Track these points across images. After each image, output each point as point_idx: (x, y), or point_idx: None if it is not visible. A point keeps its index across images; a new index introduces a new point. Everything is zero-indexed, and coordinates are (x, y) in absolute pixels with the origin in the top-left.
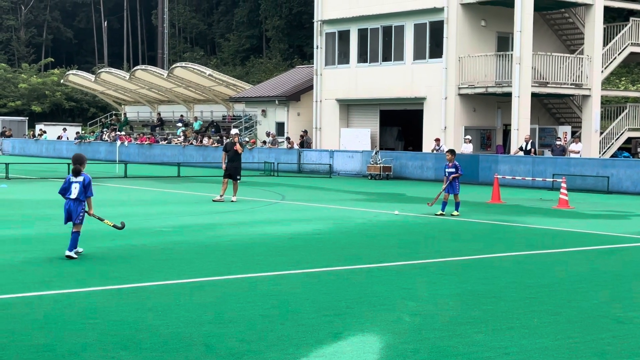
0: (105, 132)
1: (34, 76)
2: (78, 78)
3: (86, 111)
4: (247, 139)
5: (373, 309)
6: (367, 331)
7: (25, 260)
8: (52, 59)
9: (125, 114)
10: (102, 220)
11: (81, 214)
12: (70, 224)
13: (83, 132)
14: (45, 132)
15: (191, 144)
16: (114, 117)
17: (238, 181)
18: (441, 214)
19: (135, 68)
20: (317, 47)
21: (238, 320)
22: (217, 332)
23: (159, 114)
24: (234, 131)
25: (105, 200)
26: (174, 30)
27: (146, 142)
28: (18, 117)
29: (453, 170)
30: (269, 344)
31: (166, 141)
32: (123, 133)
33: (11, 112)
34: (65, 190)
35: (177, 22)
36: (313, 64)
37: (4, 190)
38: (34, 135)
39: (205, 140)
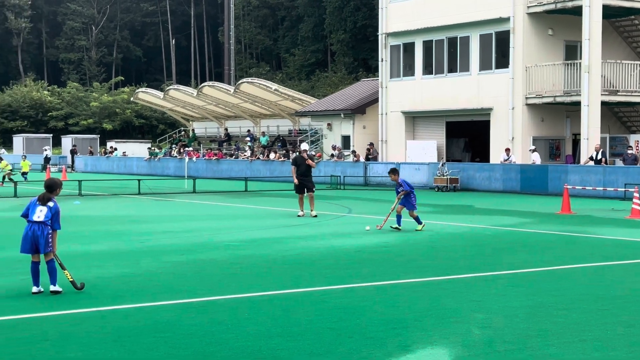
0: (174, 148)
1: (105, 95)
2: (147, 95)
3: (155, 128)
4: (313, 153)
5: (441, 322)
6: (436, 344)
7: (98, 276)
8: (122, 78)
9: (193, 130)
10: (63, 268)
11: (50, 240)
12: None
13: (153, 148)
14: (116, 149)
15: (258, 158)
16: (182, 133)
17: (313, 193)
18: (397, 228)
19: (202, 84)
20: (382, 60)
21: (306, 334)
22: (286, 345)
23: (226, 129)
24: (304, 146)
25: (174, 215)
26: (240, 46)
27: (214, 158)
28: (90, 134)
29: (401, 188)
30: (337, 357)
31: (233, 156)
32: (191, 149)
33: (83, 130)
34: (26, 213)
35: (243, 38)
36: (378, 76)
37: (77, 207)
38: (105, 153)
39: (272, 155)
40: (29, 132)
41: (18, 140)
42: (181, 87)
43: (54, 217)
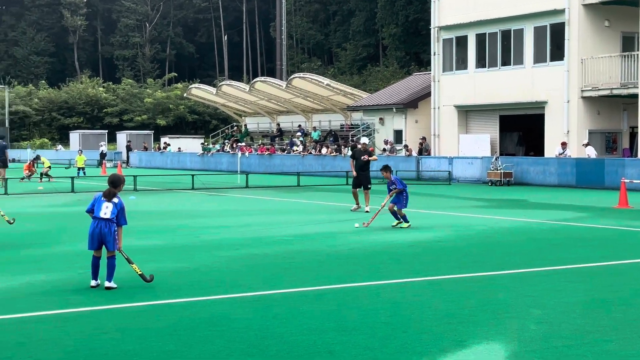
0: (226, 144)
1: (159, 91)
2: (200, 91)
3: (208, 123)
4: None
5: (497, 317)
6: (492, 339)
7: (154, 270)
8: (175, 74)
9: (245, 125)
10: (130, 262)
11: (116, 237)
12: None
13: (206, 143)
14: (169, 144)
15: (310, 153)
16: (235, 128)
17: (367, 190)
18: (398, 223)
19: (254, 80)
20: (434, 54)
21: (361, 328)
22: (340, 339)
23: (278, 124)
24: (363, 140)
25: (228, 210)
26: (292, 41)
27: (266, 153)
28: (144, 130)
29: (393, 186)
30: (392, 351)
31: (285, 151)
32: (244, 144)
33: (137, 126)
34: (92, 209)
35: (294, 33)
36: (430, 70)
37: (133, 202)
38: (159, 148)
39: (324, 150)
40: (84, 129)
41: (74, 136)
42: (234, 82)
43: (119, 213)
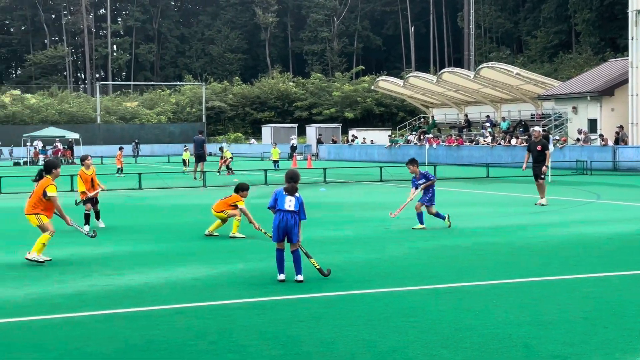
0: (414, 135)
1: (347, 84)
2: (387, 84)
3: (395, 115)
4: (557, 137)
5: None
6: None
7: (346, 260)
8: (363, 67)
9: (432, 116)
10: (308, 257)
11: (298, 230)
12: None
13: (394, 135)
14: (357, 137)
15: (499, 144)
16: (422, 120)
17: (538, 181)
18: (421, 228)
19: (442, 71)
20: (632, 38)
21: (558, 322)
22: (537, 333)
23: (466, 115)
24: (537, 128)
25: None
26: (480, 30)
27: (454, 144)
28: (332, 123)
29: (423, 180)
30: (592, 347)
31: (473, 142)
32: (431, 135)
33: (326, 119)
34: (274, 204)
35: (482, 22)
36: (627, 56)
37: (323, 194)
38: (347, 141)
39: (514, 141)
40: (276, 122)
41: (266, 130)
42: (420, 74)
43: (300, 208)
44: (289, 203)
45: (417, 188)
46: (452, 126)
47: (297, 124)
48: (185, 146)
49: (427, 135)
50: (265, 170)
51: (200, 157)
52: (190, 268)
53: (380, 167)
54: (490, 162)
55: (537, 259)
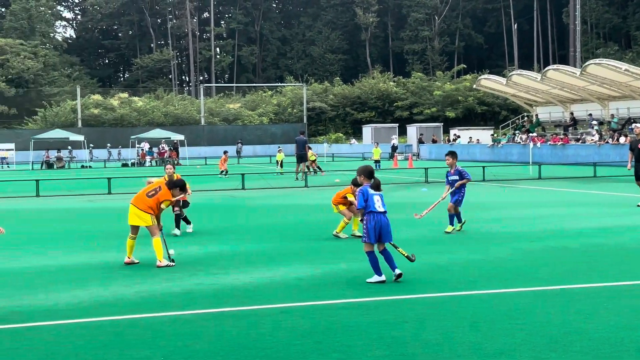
0: (517, 134)
1: (448, 83)
2: (489, 82)
3: (498, 114)
4: None
5: None
6: None
7: (450, 261)
8: (464, 65)
9: (536, 115)
10: (396, 247)
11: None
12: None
13: (496, 134)
14: (459, 136)
15: (607, 142)
16: (525, 118)
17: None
18: (455, 229)
19: (546, 68)
20: None
21: None
22: None
23: (571, 113)
24: (638, 126)
25: (520, 202)
26: (586, 26)
27: (559, 143)
28: (433, 123)
29: (456, 177)
30: None
31: (580, 141)
32: (535, 134)
33: (426, 119)
34: (364, 205)
35: (589, 18)
36: None
37: (425, 194)
38: (449, 141)
39: (622, 139)
40: (376, 122)
41: (367, 130)
42: (524, 72)
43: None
44: (378, 203)
45: (451, 186)
46: (557, 124)
47: (397, 124)
48: (279, 147)
49: (530, 134)
50: (317, 171)
51: (301, 157)
52: (293, 268)
53: (483, 167)
54: (597, 161)
55: None
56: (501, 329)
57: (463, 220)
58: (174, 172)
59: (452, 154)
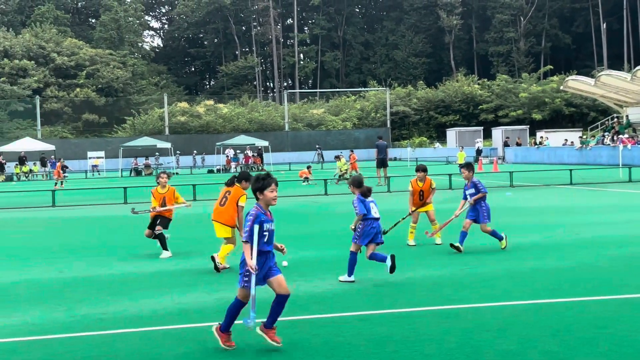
0: (606, 136)
1: (534, 85)
2: (577, 83)
3: (586, 116)
4: None
5: None
6: None
7: (535, 268)
8: (551, 67)
9: (627, 116)
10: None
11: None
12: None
13: (584, 137)
14: (547, 138)
15: None
16: (615, 120)
17: None
18: (457, 247)
19: (637, 68)
20: None
21: None
22: None
23: None
24: None
25: (609, 206)
26: None
27: None
28: (519, 125)
29: (473, 190)
30: None
31: None
32: (625, 136)
33: (512, 122)
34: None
35: None
36: None
37: (509, 198)
38: (535, 143)
39: None
40: (460, 126)
41: (451, 133)
42: (613, 72)
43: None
44: (375, 209)
45: (466, 200)
46: None
47: (482, 127)
48: (340, 153)
49: (620, 136)
50: (450, 175)
51: (382, 162)
52: (373, 274)
53: (570, 170)
54: None
55: None
56: (586, 338)
57: (503, 236)
58: (167, 182)
59: (468, 166)
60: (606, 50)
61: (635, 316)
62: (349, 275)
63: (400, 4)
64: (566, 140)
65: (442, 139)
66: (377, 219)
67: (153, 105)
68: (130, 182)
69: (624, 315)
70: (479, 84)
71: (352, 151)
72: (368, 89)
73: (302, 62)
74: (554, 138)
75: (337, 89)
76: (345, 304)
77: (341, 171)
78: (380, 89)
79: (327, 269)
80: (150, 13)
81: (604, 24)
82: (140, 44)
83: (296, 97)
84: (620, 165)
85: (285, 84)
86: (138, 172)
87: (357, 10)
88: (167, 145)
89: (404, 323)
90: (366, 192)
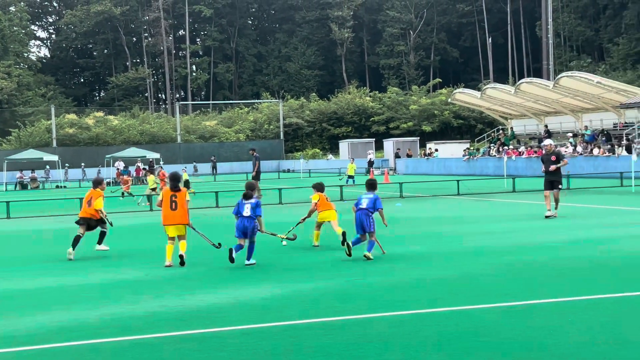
0: (492, 148)
1: (423, 97)
2: (464, 96)
3: (474, 128)
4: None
5: None
6: None
7: (418, 277)
8: (440, 80)
9: (511, 128)
10: (274, 234)
11: (256, 229)
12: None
13: (471, 148)
14: (437, 150)
15: (580, 154)
16: (500, 132)
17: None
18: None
19: (520, 81)
20: None
21: (638, 342)
22: (615, 353)
23: (545, 125)
24: (547, 141)
25: (493, 216)
26: (559, 39)
27: (534, 155)
28: (410, 137)
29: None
30: None
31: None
32: (510, 147)
33: (403, 133)
34: (238, 212)
35: (562, 31)
36: None
37: (398, 209)
38: (425, 155)
39: (596, 151)
40: (353, 138)
41: (344, 145)
42: (498, 85)
43: (257, 207)
44: (247, 210)
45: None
46: (531, 137)
47: (374, 139)
48: (184, 167)
49: (505, 147)
50: (341, 187)
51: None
52: (259, 288)
53: (457, 181)
54: (572, 173)
55: (618, 274)
56: (464, 348)
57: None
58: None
59: (372, 186)
60: (492, 64)
61: (515, 323)
62: (231, 258)
63: (293, 16)
64: (432, 150)
65: (335, 150)
66: (246, 217)
67: (40, 117)
68: (14, 196)
69: (501, 324)
70: (370, 96)
71: (161, 167)
72: (261, 100)
73: (194, 74)
74: (443, 149)
75: (230, 101)
76: (230, 318)
77: (150, 189)
78: (273, 100)
79: (212, 283)
80: (37, 22)
81: (490, 39)
82: (26, 54)
83: (189, 109)
84: (505, 176)
85: (177, 95)
86: (24, 186)
87: (250, 22)
88: (55, 158)
89: (287, 336)
90: (247, 195)
